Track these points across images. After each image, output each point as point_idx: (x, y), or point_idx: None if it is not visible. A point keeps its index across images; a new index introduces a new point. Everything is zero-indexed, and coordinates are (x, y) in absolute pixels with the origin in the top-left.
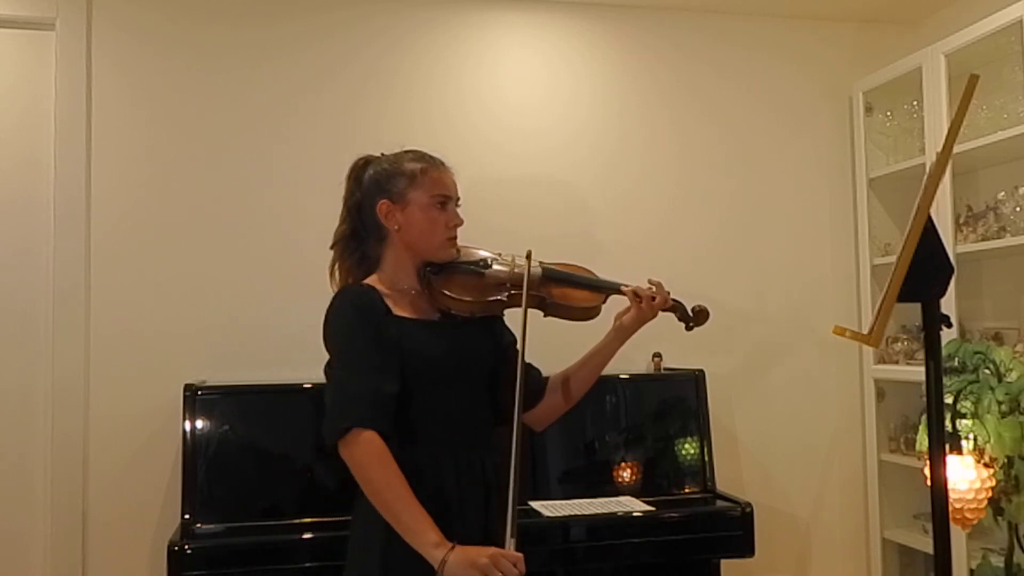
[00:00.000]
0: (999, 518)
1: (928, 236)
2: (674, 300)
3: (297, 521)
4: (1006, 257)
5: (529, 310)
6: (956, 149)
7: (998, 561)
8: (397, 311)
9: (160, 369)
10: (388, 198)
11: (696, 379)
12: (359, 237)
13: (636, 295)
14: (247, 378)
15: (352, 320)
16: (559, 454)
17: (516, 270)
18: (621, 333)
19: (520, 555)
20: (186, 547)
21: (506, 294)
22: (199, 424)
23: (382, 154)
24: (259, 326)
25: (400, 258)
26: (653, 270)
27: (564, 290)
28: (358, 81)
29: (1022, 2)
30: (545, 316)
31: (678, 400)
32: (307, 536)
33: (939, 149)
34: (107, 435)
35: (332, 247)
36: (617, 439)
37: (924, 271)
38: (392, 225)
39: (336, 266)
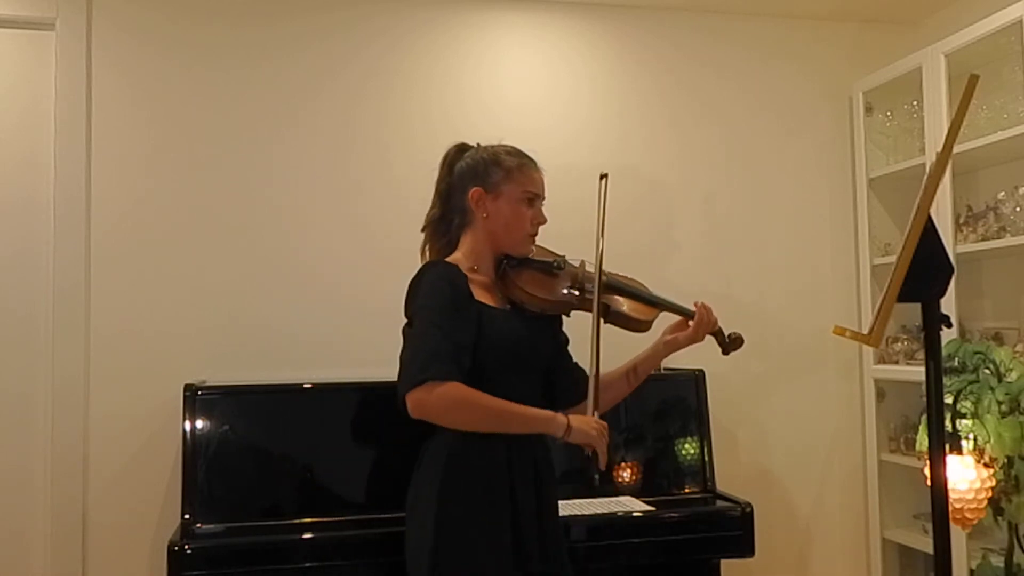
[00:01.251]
0: (999, 518)
1: (928, 236)
2: (718, 326)
3: (297, 521)
4: (1006, 257)
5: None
6: (956, 149)
7: (998, 561)
8: (477, 295)
9: (160, 369)
10: (482, 186)
11: (696, 379)
12: (448, 221)
13: (700, 316)
14: (247, 378)
15: (443, 288)
16: (559, 454)
17: (584, 273)
18: (670, 347)
19: (607, 425)
20: (186, 547)
21: (575, 297)
22: (199, 424)
23: (478, 144)
24: (259, 326)
25: (481, 245)
26: (653, 270)
27: (626, 301)
28: (358, 81)
29: (1022, 2)
30: (605, 322)
31: (678, 400)
32: (307, 536)
33: (939, 149)
34: (107, 435)
35: (423, 230)
36: (617, 439)
37: (924, 271)
38: (481, 212)
39: (427, 247)
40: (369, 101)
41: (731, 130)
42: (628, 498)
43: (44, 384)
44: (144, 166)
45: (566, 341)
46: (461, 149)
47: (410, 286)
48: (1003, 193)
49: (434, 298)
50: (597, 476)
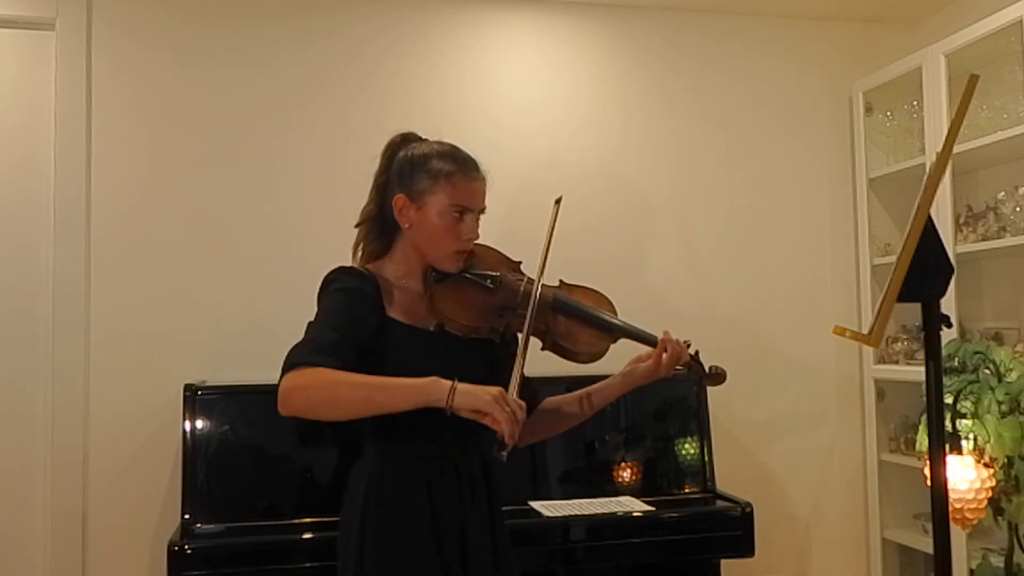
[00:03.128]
0: (999, 518)
1: (928, 236)
2: (691, 356)
3: (297, 521)
4: (1006, 257)
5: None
6: (956, 149)
7: (998, 561)
8: (391, 311)
9: (160, 369)
10: (406, 193)
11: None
12: (384, 218)
13: (663, 347)
14: (247, 378)
15: (345, 289)
16: (559, 454)
17: (525, 290)
18: (629, 380)
19: (523, 402)
20: (186, 547)
21: (506, 320)
22: (199, 424)
23: (420, 138)
24: (259, 326)
25: (408, 255)
26: (653, 271)
27: (572, 324)
28: (359, 81)
29: (1022, 2)
30: (542, 350)
31: (678, 400)
32: (307, 536)
33: (939, 149)
34: (107, 435)
35: (357, 226)
36: (617, 439)
37: (924, 271)
38: (403, 222)
39: (360, 246)
40: (369, 101)
41: (731, 130)
42: (628, 498)
43: (44, 384)
44: (144, 166)
45: (512, 352)
46: (406, 139)
47: (320, 286)
48: (1003, 193)
49: (331, 299)
50: (505, 453)
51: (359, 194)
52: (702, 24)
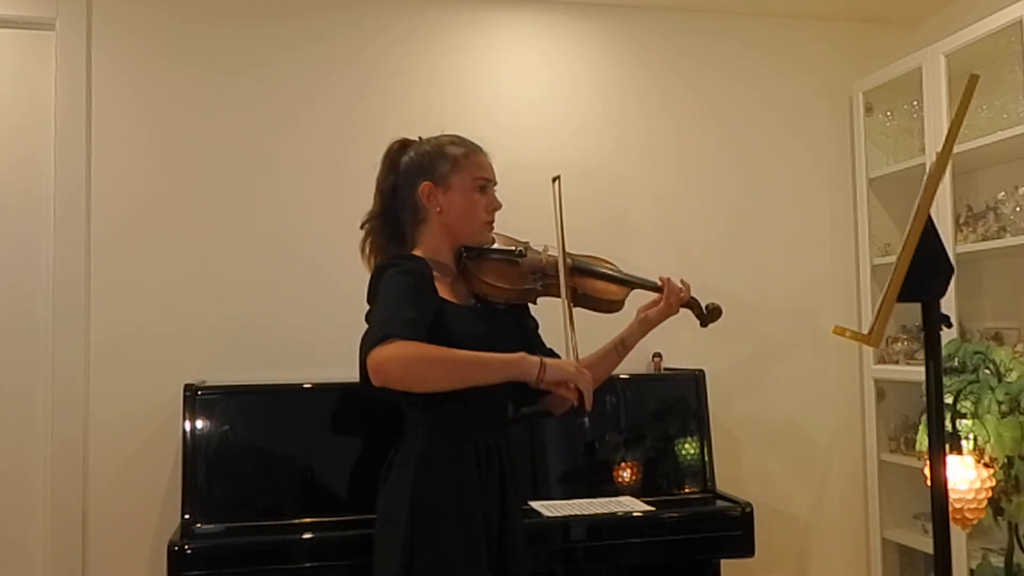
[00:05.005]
0: (999, 518)
1: (928, 236)
2: (692, 297)
3: (297, 521)
4: (1006, 257)
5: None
6: (956, 149)
7: (998, 561)
8: (441, 292)
9: (160, 369)
10: (431, 180)
11: (696, 379)
12: (388, 218)
13: (668, 289)
14: (247, 378)
15: (407, 274)
16: (559, 454)
17: (548, 259)
18: (645, 325)
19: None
20: (186, 547)
21: (540, 283)
22: (199, 424)
23: (420, 138)
24: (259, 326)
25: (438, 240)
26: (652, 271)
27: (594, 282)
28: (359, 81)
29: (1022, 2)
30: (574, 306)
31: (678, 400)
32: (307, 536)
33: (939, 149)
34: (107, 435)
35: (362, 226)
36: (617, 439)
37: (924, 271)
38: (433, 207)
39: (367, 243)
40: (369, 101)
41: (731, 130)
42: (628, 498)
43: (44, 384)
44: (144, 166)
45: (535, 326)
46: (404, 144)
47: (372, 276)
48: (1003, 193)
49: (397, 280)
50: (586, 416)
51: (359, 193)
52: (702, 24)
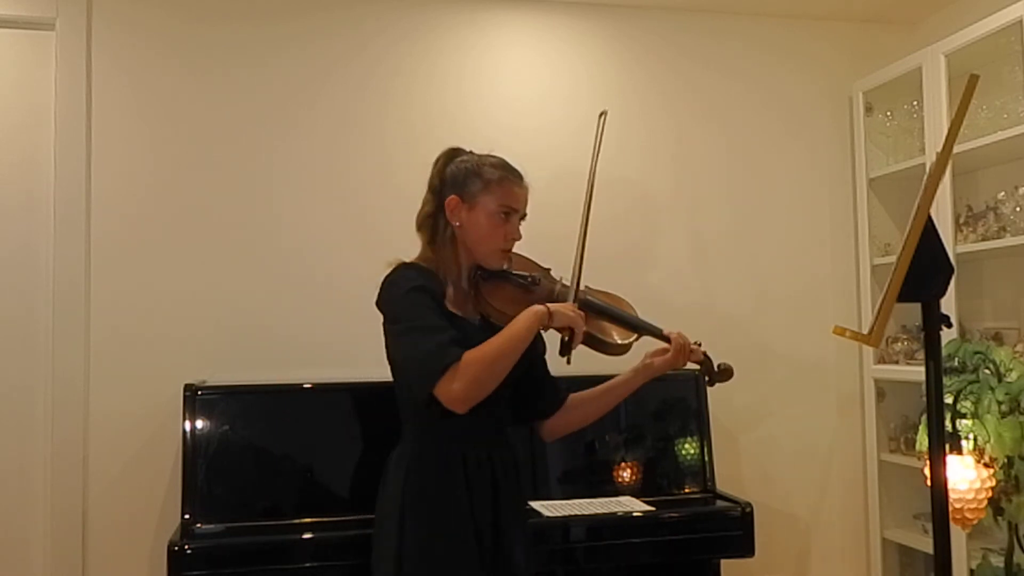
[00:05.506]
0: (999, 518)
1: (928, 236)
2: (704, 354)
3: (297, 521)
4: (1006, 257)
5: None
6: (956, 149)
7: (998, 561)
8: (449, 304)
9: (160, 369)
10: (459, 195)
11: (696, 379)
12: (438, 221)
13: (677, 345)
14: (247, 378)
15: (421, 295)
16: (559, 454)
17: (561, 290)
18: (648, 372)
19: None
20: (186, 547)
21: None
22: (199, 424)
23: (471, 152)
24: (259, 326)
25: (455, 254)
26: (652, 270)
27: (602, 323)
28: (359, 81)
29: (1022, 2)
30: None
31: (678, 400)
32: (307, 536)
33: (939, 149)
34: (107, 435)
35: (418, 229)
36: (617, 439)
37: (924, 271)
38: (455, 221)
39: (426, 243)
40: (369, 101)
41: (731, 130)
42: (628, 498)
43: (44, 384)
44: (144, 166)
45: (543, 350)
46: (454, 153)
47: (385, 283)
48: (1003, 193)
49: (412, 299)
50: (568, 357)
51: (359, 193)
52: (702, 24)
